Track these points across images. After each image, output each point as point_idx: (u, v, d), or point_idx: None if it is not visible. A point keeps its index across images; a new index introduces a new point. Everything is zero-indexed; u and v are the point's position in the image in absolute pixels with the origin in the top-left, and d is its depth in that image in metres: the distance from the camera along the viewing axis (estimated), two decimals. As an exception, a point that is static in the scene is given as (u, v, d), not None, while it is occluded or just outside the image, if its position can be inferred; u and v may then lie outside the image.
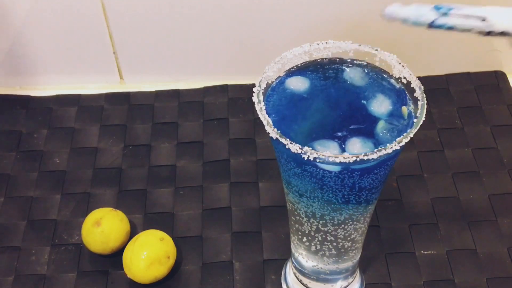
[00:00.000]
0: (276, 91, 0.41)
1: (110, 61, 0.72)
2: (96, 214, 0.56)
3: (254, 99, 0.38)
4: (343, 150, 0.37)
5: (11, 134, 0.68)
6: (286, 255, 0.56)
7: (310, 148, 0.35)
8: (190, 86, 0.73)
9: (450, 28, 0.34)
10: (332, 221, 0.42)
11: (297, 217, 0.44)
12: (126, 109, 0.70)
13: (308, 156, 0.35)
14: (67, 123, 0.69)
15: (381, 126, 0.38)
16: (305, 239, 0.46)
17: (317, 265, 0.48)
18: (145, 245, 0.53)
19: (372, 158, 0.35)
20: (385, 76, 0.41)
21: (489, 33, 0.34)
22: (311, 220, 0.43)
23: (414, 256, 0.56)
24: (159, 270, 0.53)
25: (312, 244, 0.46)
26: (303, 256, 0.49)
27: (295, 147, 0.35)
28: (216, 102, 0.70)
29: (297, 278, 0.52)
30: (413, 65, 0.42)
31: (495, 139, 0.65)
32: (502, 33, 0.34)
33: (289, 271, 0.54)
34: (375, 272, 0.55)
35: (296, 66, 0.42)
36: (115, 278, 0.55)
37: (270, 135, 0.37)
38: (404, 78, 0.40)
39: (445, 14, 0.34)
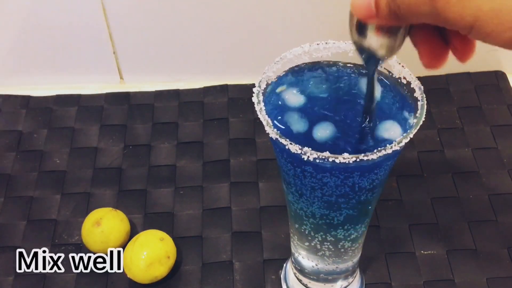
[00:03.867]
0: (276, 91, 0.41)
1: (110, 61, 0.72)
2: (96, 214, 0.56)
3: (254, 99, 0.38)
4: (344, 149, 0.37)
5: (11, 134, 0.68)
6: (286, 255, 0.56)
7: (310, 149, 0.35)
8: (190, 86, 0.73)
9: None
10: (332, 221, 0.42)
11: (297, 217, 0.44)
12: (126, 109, 0.70)
13: (308, 157, 0.35)
14: (67, 123, 0.69)
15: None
16: (305, 239, 0.46)
17: (317, 265, 0.48)
18: (145, 245, 0.53)
19: (372, 159, 0.35)
20: (384, 76, 0.41)
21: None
22: (311, 220, 0.43)
23: (414, 256, 0.56)
24: (159, 270, 0.53)
25: (312, 244, 0.46)
26: (303, 256, 0.49)
27: (294, 148, 0.35)
28: (216, 102, 0.70)
29: (297, 278, 0.52)
30: (413, 65, 0.42)
31: (495, 139, 0.65)
32: None
33: (289, 271, 0.54)
34: (375, 272, 0.55)
35: (297, 65, 0.42)
36: (115, 278, 0.55)
37: (270, 135, 0.37)
38: (404, 78, 0.40)
39: None
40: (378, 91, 0.40)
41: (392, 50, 0.33)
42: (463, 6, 0.25)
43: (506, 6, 0.24)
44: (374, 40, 0.33)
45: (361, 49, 0.35)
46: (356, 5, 0.30)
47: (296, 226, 0.46)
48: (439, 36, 0.31)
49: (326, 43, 0.41)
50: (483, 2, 0.25)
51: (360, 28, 0.33)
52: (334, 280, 0.51)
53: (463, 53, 0.31)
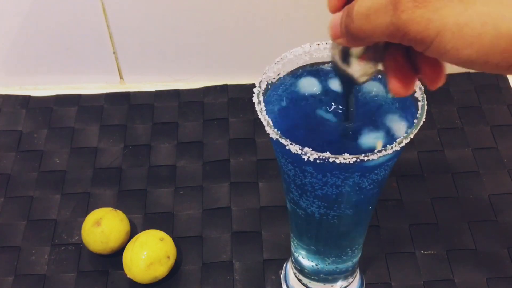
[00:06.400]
0: (276, 92, 0.41)
1: (110, 61, 0.72)
2: (96, 214, 0.56)
3: (254, 99, 0.38)
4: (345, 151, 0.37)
5: (11, 134, 0.68)
6: (286, 255, 0.56)
7: (310, 149, 0.35)
8: (190, 86, 0.73)
9: None
10: (332, 221, 0.42)
11: (297, 217, 0.44)
12: (126, 109, 0.70)
13: (308, 157, 0.35)
14: (67, 123, 0.69)
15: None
16: (305, 239, 0.46)
17: (317, 265, 0.48)
18: (145, 245, 0.53)
19: (372, 159, 0.35)
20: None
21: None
22: (311, 220, 0.43)
23: (414, 256, 0.56)
24: (159, 270, 0.53)
25: (312, 244, 0.46)
26: (303, 256, 0.49)
27: (295, 148, 0.35)
28: (216, 102, 0.70)
29: (297, 278, 0.52)
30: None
31: (495, 139, 0.65)
32: None
33: (289, 271, 0.54)
34: (375, 272, 0.55)
35: (296, 66, 0.42)
36: (115, 278, 0.55)
37: (270, 135, 0.37)
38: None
39: None
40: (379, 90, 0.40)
41: (370, 76, 0.34)
42: (428, 18, 0.24)
43: (472, 21, 0.23)
44: (357, 68, 0.33)
45: (340, 74, 0.35)
46: (330, 24, 0.31)
47: (296, 226, 0.46)
48: (409, 65, 0.31)
49: (326, 43, 0.41)
50: (449, 15, 0.24)
51: (344, 55, 0.33)
52: (334, 280, 0.51)
53: (433, 80, 0.31)
